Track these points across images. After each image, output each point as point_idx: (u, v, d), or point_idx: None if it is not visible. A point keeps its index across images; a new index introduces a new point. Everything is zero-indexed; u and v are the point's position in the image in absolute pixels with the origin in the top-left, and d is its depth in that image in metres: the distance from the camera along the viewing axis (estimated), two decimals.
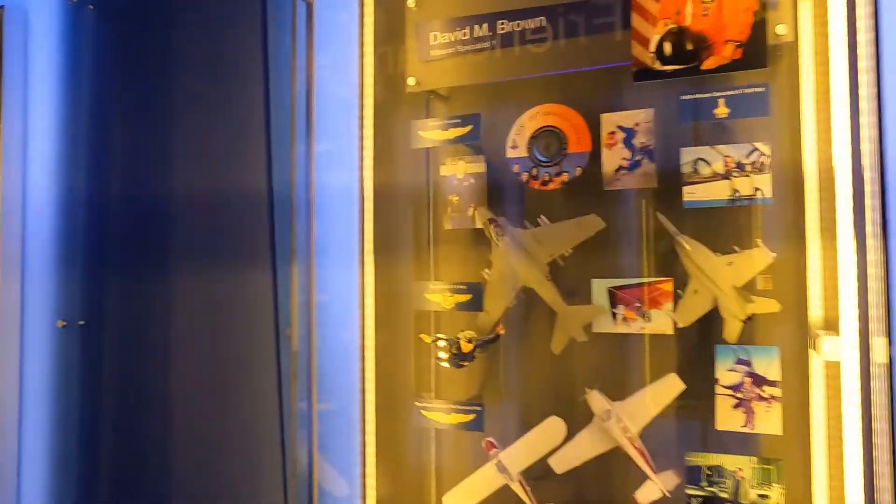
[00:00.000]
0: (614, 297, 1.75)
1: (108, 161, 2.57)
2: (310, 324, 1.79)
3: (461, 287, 1.84)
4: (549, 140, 1.83)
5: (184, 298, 2.37)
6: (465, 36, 1.86)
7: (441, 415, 1.86)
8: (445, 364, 1.88)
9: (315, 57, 1.80)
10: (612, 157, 1.75)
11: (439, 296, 1.86)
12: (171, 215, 2.39)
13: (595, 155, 1.77)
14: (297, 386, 1.98)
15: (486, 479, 1.86)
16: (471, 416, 1.82)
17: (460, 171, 1.92)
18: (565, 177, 1.81)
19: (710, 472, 1.60)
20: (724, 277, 1.63)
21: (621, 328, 1.73)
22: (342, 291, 1.93)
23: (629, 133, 1.73)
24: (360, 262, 1.84)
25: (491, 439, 1.87)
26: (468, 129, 1.85)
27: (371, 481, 1.83)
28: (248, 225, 2.16)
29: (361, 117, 1.87)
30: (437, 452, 1.99)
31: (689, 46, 1.60)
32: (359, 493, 1.84)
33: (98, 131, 2.54)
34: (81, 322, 2.50)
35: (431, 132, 1.88)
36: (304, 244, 1.85)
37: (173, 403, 2.39)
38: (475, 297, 1.82)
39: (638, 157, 1.72)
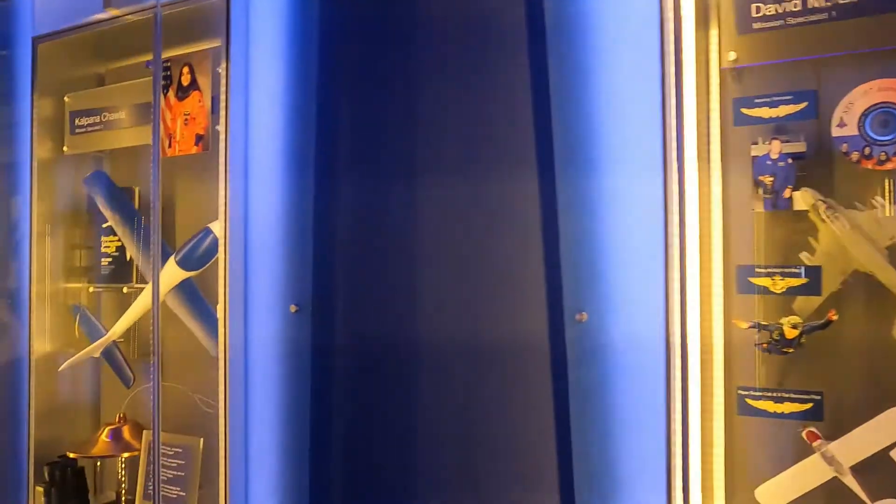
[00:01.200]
0: None
1: (337, 146, 2.51)
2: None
3: (795, 271, 1.76)
4: (887, 117, 1.74)
5: (430, 282, 2.31)
6: (795, 7, 1.77)
7: (770, 403, 1.78)
8: (765, 351, 1.81)
9: None
10: None
11: (767, 279, 1.78)
12: (413, 197, 2.33)
13: None
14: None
15: (811, 472, 1.78)
16: (807, 406, 1.74)
17: (775, 151, 1.84)
18: None
19: None
20: None
21: None
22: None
23: None
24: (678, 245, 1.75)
25: (813, 429, 1.79)
26: (802, 105, 1.76)
27: (695, 472, 1.76)
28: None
29: (680, 95, 1.79)
30: (726, 440, 1.90)
31: None
32: (678, 484, 1.77)
33: (325, 113, 2.48)
34: (310, 307, 2.45)
35: (758, 109, 1.80)
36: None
37: (418, 397, 2.32)
38: (812, 281, 1.74)
39: None
